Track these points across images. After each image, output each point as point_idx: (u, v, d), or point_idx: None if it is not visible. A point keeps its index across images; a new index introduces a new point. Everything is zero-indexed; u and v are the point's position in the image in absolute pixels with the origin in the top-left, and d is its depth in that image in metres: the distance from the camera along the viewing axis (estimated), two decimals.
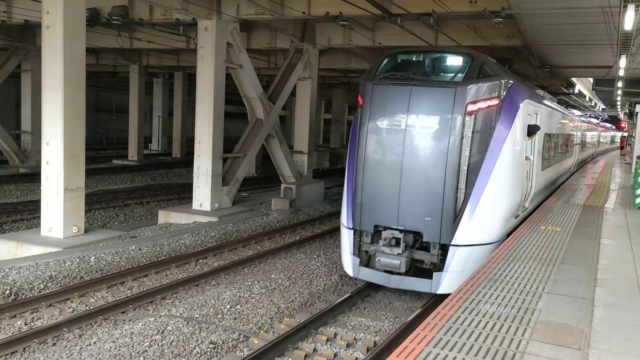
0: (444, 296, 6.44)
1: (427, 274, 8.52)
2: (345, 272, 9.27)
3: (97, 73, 33.82)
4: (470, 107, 8.28)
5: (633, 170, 17.97)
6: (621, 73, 16.68)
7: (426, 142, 8.38)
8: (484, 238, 8.51)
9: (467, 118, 8.26)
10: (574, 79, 26.73)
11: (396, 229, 8.44)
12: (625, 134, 40.21)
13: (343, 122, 42.24)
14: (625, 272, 7.02)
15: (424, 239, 8.44)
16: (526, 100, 9.92)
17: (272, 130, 17.55)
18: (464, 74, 8.52)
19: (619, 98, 26.82)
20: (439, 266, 8.43)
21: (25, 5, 15.44)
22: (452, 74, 8.72)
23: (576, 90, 28.90)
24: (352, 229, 8.89)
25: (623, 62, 14.05)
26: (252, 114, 17.06)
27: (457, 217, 8.25)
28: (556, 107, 15.31)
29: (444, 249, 8.37)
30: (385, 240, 8.45)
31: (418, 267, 8.69)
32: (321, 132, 47.90)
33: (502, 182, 8.72)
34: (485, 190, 8.34)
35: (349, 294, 8.89)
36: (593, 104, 40.83)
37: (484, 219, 8.42)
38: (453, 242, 8.26)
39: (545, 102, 13.06)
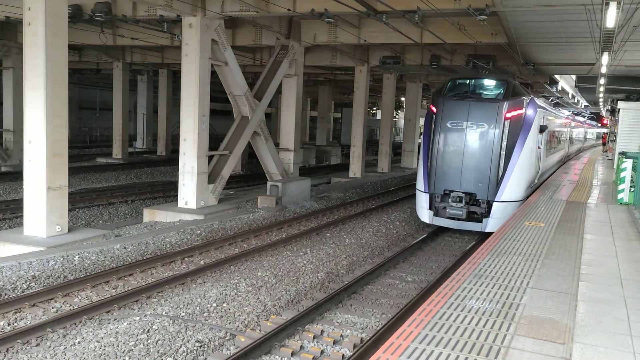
0: (432, 291, 6.46)
1: (477, 220, 13.07)
2: (422, 221, 14.01)
3: (80, 70, 33.46)
4: (507, 115, 12.87)
5: (615, 167, 18.20)
6: (603, 70, 16.88)
7: (479, 137, 12.95)
8: (514, 197, 12.96)
9: (505, 122, 12.84)
10: (557, 76, 26.99)
11: (459, 192, 13.02)
12: (607, 131, 40.94)
13: (329, 119, 42.33)
14: (608, 267, 7.11)
15: (477, 198, 12.99)
16: (539, 109, 14.31)
17: (258, 127, 17.50)
18: (502, 94, 13.18)
19: (601, 95, 27.13)
20: (486, 215, 12.89)
21: (7, 1, 15.22)
22: (495, 93, 13.41)
23: (559, 88, 29.18)
24: (427, 192, 13.39)
25: (605, 59, 14.22)
26: (237, 112, 16.99)
27: (498, 184, 12.81)
28: (556, 112, 20.94)
29: (489, 204, 12.85)
30: (452, 198, 13.04)
31: (471, 215, 13.13)
32: (307, 130, 47.91)
33: (525, 163, 13.11)
34: (515, 167, 12.82)
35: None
36: (576, 101, 41.31)
37: (514, 185, 12.86)
38: (495, 199, 12.81)
39: (549, 109, 18.18)
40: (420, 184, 13.64)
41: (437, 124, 13.31)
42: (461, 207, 12.94)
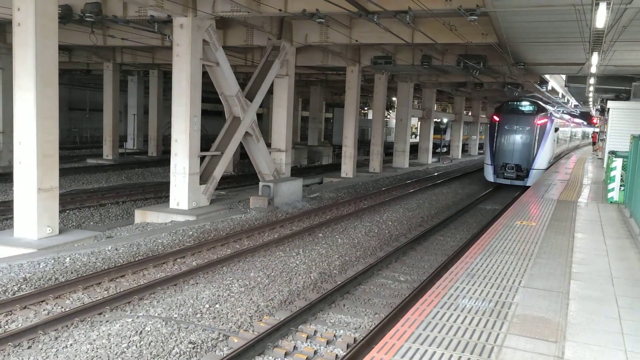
0: (425, 290, 6.47)
1: (520, 179, 22.38)
2: (487, 180, 23.61)
3: (70, 71, 33.26)
4: (537, 122, 22.43)
5: (605, 166, 18.34)
6: (593, 70, 17.00)
7: (522, 134, 22.66)
8: (541, 167, 22.23)
9: (536, 126, 22.28)
10: (547, 76, 27.16)
11: (511, 163, 22.43)
12: (597, 130, 41.89)
13: (320, 119, 42.30)
14: (599, 265, 7.16)
15: (521, 167, 22.34)
16: (554, 119, 24.00)
17: (250, 128, 17.47)
18: (534, 110, 22.92)
19: (591, 94, 27.31)
20: (526, 176, 22.24)
21: None
22: (530, 110, 23.05)
23: (549, 87, 29.37)
24: (492, 165, 22.91)
25: (595, 59, 14.32)
26: (229, 112, 16.96)
27: (533, 159, 22.21)
28: (564, 120, 31.46)
29: (528, 170, 22.23)
30: (508, 167, 22.45)
31: (517, 176, 22.47)
32: (299, 130, 47.88)
33: (547, 148, 22.54)
34: (542, 151, 22.31)
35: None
36: (566, 101, 41.76)
37: (541, 160, 22.32)
38: (532, 168, 22.17)
39: (560, 118, 28.54)
40: (487, 159, 23.52)
41: (499, 127, 23.21)
42: (513, 172, 22.65)
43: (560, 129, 27.65)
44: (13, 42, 11.11)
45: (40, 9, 10.80)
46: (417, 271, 10.81)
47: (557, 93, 36.23)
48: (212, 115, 37.98)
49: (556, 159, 26.67)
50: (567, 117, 35.83)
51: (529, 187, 18.27)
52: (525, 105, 23.59)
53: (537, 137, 22.57)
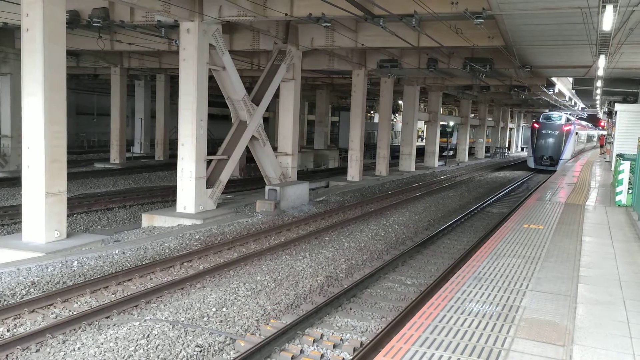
0: (432, 294, 6.46)
1: (552, 165, 35.02)
2: (529, 167, 37.75)
3: (78, 76, 33.45)
4: (564, 129, 36.45)
5: (613, 169, 18.24)
6: (600, 72, 16.96)
7: (554, 136, 36.38)
8: (567, 158, 35.48)
9: (563, 131, 36.34)
10: (554, 79, 27.07)
11: (547, 155, 36.23)
12: (604, 133, 43.90)
13: (326, 123, 42.30)
14: (607, 269, 7.13)
15: (553, 158, 35.89)
16: (576, 125, 38.44)
17: (256, 131, 17.51)
18: (562, 119, 37.20)
19: (598, 97, 27.22)
20: (556, 164, 34.79)
21: (4, 7, 15.22)
22: (559, 119, 37.24)
23: (556, 90, 29.27)
24: (533, 156, 37.02)
25: (602, 61, 14.28)
26: (235, 116, 17.01)
27: (561, 153, 35.88)
28: (583, 124, 47.75)
29: (557, 160, 35.42)
30: (545, 157, 36.35)
31: (551, 164, 35.63)
32: (305, 133, 47.92)
33: (570, 146, 36.47)
34: (567, 148, 36.15)
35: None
36: (573, 103, 42.08)
37: (567, 154, 35.98)
38: (560, 158, 35.58)
39: (579, 124, 42.95)
40: (530, 152, 37.38)
41: (538, 131, 36.62)
42: (547, 161, 35.53)
43: (580, 132, 42.18)
44: (21, 48, 11.19)
45: (48, 14, 10.87)
46: (423, 274, 10.78)
47: (564, 96, 36.18)
48: (218, 119, 38.10)
49: (578, 153, 41.51)
50: (584, 123, 50.88)
51: (554, 171, 28.75)
52: (556, 117, 37.54)
53: (563, 138, 36.00)
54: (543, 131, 36.26)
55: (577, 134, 38.15)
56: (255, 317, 8.05)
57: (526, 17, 11.83)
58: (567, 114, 42.20)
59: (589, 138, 53.22)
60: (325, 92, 39.91)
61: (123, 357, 6.56)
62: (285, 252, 11.85)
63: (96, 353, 6.61)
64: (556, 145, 35.74)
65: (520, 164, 43.97)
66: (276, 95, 19.85)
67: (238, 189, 22.46)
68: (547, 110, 46.34)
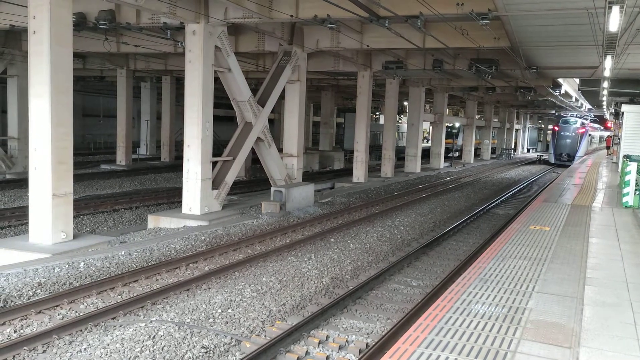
0: (438, 296, 6.45)
1: (569, 161, 40.80)
2: (549, 162, 45.76)
3: (84, 78, 33.62)
4: (579, 131, 44.13)
5: (620, 170, 18.16)
6: (607, 73, 16.90)
7: (570, 138, 44.17)
8: (581, 155, 43.32)
9: (578, 134, 44.01)
10: (560, 80, 26.98)
11: (565, 153, 43.89)
12: (611, 134, 46.39)
13: (332, 124, 42.31)
14: (614, 271, 7.09)
15: (570, 155, 43.04)
16: (588, 129, 47.61)
17: (262, 133, 17.53)
18: (577, 123, 44.97)
19: (604, 98, 27.11)
20: (572, 160, 40.46)
21: (12, 10, 15.31)
22: (575, 123, 45.00)
23: (562, 91, 29.18)
24: (554, 154, 44.96)
25: (608, 62, 14.23)
26: (241, 118, 17.03)
27: (576, 151, 43.49)
28: (595, 127, 58.47)
29: (574, 157, 42.23)
30: (563, 154, 43.97)
31: (568, 160, 41.67)
32: (310, 135, 47.93)
33: (584, 145, 44.77)
34: (581, 147, 44.08)
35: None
36: (579, 104, 42.41)
37: (581, 151, 43.85)
38: (576, 155, 42.65)
39: (592, 127, 54.02)
40: (551, 150, 45.72)
41: (558, 133, 44.38)
42: (565, 157, 42.86)
43: (592, 134, 52.02)
44: (28, 50, 11.24)
45: (55, 17, 10.92)
46: (429, 276, 10.76)
47: (571, 97, 36.03)
48: (224, 120, 38.16)
49: (591, 152, 49.68)
50: (596, 126, 59.23)
51: (569, 165, 33.90)
52: (572, 121, 44.85)
53: (578, 139, 43.42)
54: (562, 133, 44.21)
55: (590, 135, 48.25)
56: (261, 318, 8.06)
57: (532, 17, 11.80)
58: (580, 117, 49.39)
59: (600, 139, 65.71)
60: (330, 94, 39.93)
61: (129, 358, 6.57)
62: (290, 254, 11.85)
63: (102, 354, 6.63)
64: (572, 144, 43.76)
65: (528, 165, 44.65)
66: (281, 97, 19.88)
67: (243, 191, 22.48)
68: (553, 112, 54.20)
